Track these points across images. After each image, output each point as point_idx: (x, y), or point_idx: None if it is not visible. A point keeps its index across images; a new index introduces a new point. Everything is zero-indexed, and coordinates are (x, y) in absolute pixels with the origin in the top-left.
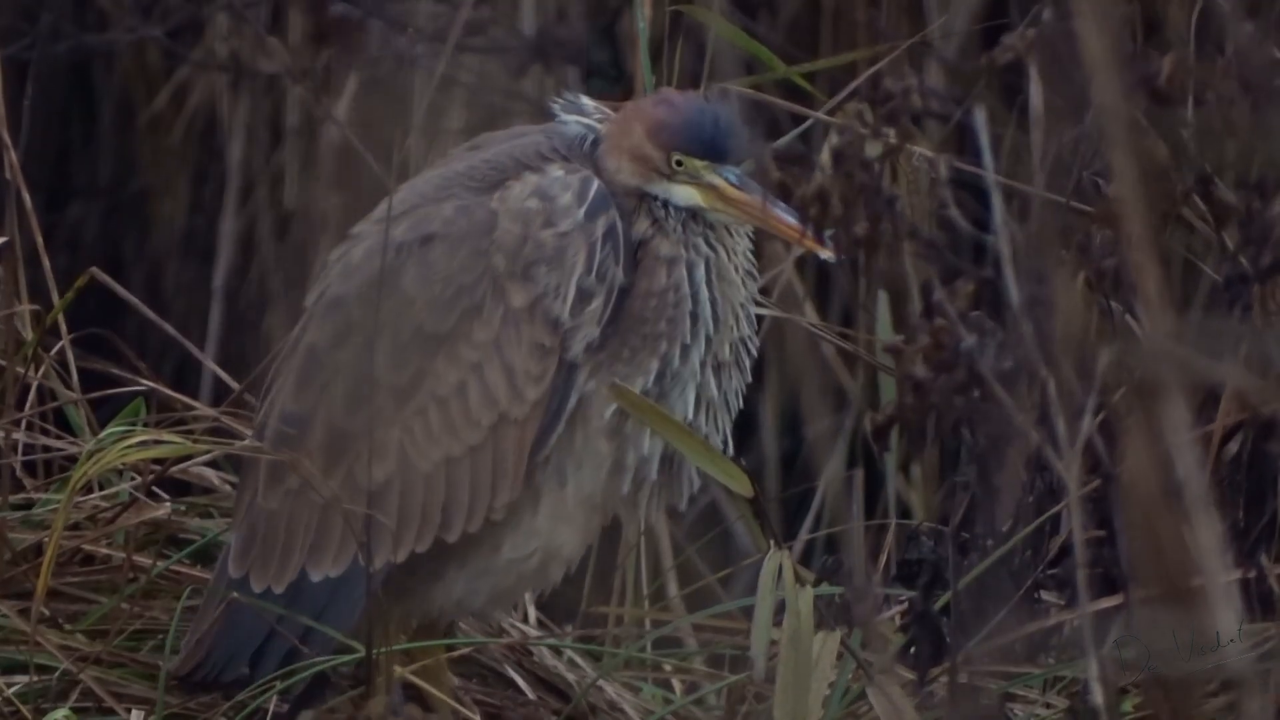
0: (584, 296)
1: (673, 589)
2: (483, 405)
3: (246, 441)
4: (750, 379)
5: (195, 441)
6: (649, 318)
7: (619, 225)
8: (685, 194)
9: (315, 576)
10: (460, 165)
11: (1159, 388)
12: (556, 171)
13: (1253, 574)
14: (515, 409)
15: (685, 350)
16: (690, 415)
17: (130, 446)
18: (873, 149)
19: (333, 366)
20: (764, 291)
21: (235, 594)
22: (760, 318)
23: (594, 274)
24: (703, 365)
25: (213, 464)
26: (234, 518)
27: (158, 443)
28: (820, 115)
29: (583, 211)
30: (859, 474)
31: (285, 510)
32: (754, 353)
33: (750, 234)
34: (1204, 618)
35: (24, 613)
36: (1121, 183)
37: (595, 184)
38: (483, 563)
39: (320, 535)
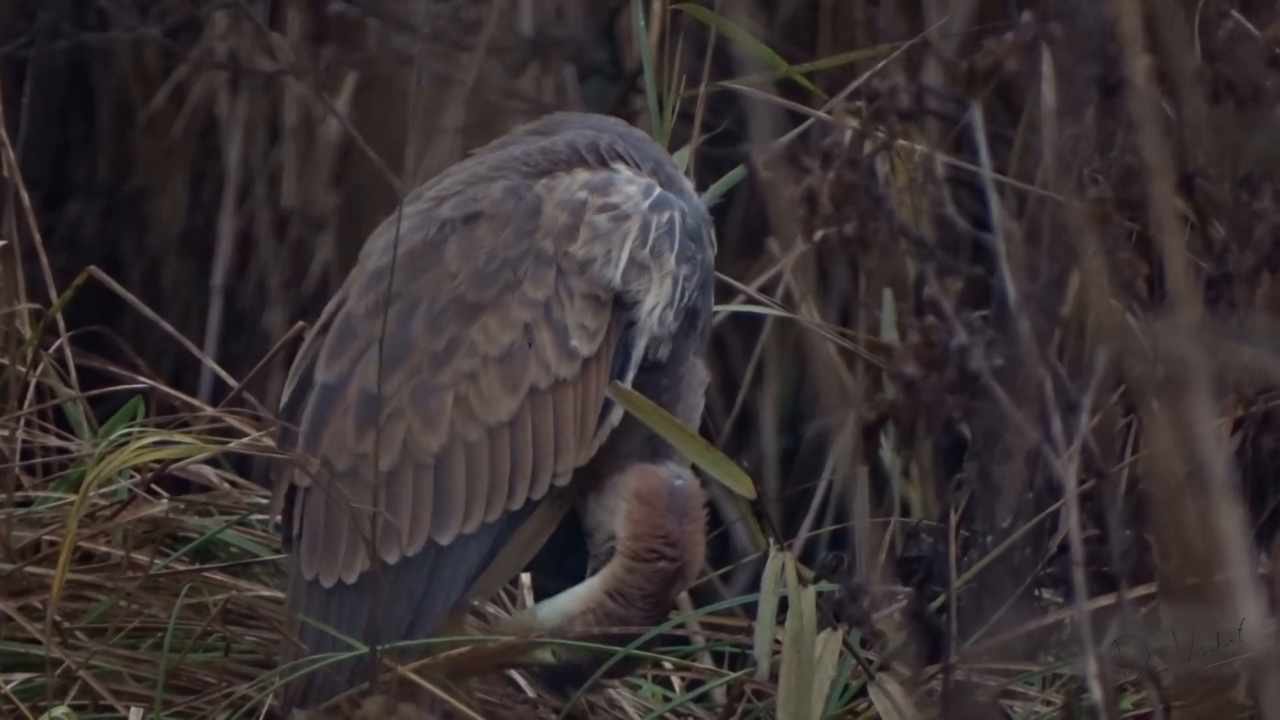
0: (639, 269)
1: None
2: (535, 367)
3: (259, 436)
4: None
5: (204, 441)
6: None
7: (688, 225)
8: None
9: (391, 559)
10: (518, 149)
11: (1185, 377)
12: (623, 170)
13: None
14: (564, 369)
15: None
16: None
17: (143, 447)
18: (863, 147)
19: (368, 334)
20: (764, 290)
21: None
22: (761, 316)
23: (648, 248)
24: None
25: (211, 461)
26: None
27: (167, 443)
28: (820, 114)
29: (647, 204)
30: (864, 471)
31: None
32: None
33: None
34: (1227, 609)
35: (23, 610)
36: (1153, 173)
37: (659, 190)
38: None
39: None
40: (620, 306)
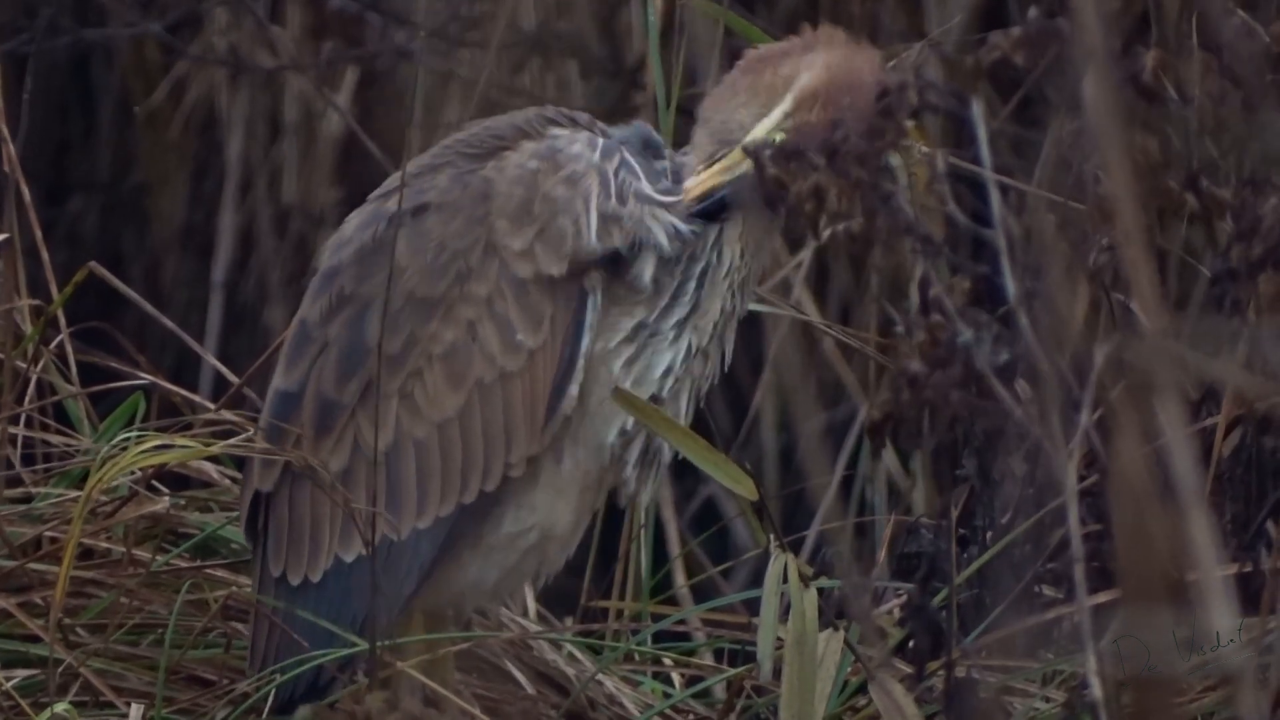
0: (612, 220)
1: (674, 583)
2: (480, 360)
3: (255, 440)
4: (721, 373)
5: (205, 444)
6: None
7: (634, 160)
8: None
9: (348, 558)
10: (460, 134)
11: (1153, 383)
12: (560, 132)
13: (1251, 568)
14: (510, 361)
15: (664, 311)
16: (656, 375)
17: (145, 451)
18: (867, 144)
19: (322, 339)
20: (762, 284)
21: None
22: (759, 313)
23: (614, 197)
24: (679, 330)
25: (212, 458)
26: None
27: (170, 447)
28: None
29: (597, 155)
30: (882, 468)
31: (305, 497)
32: (728, 355)
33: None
34: (1198, 614)
35: (24, 606)
36: (1114, 179)
37: (602, 140)
38: (490, 539)
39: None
40: (588, 274)
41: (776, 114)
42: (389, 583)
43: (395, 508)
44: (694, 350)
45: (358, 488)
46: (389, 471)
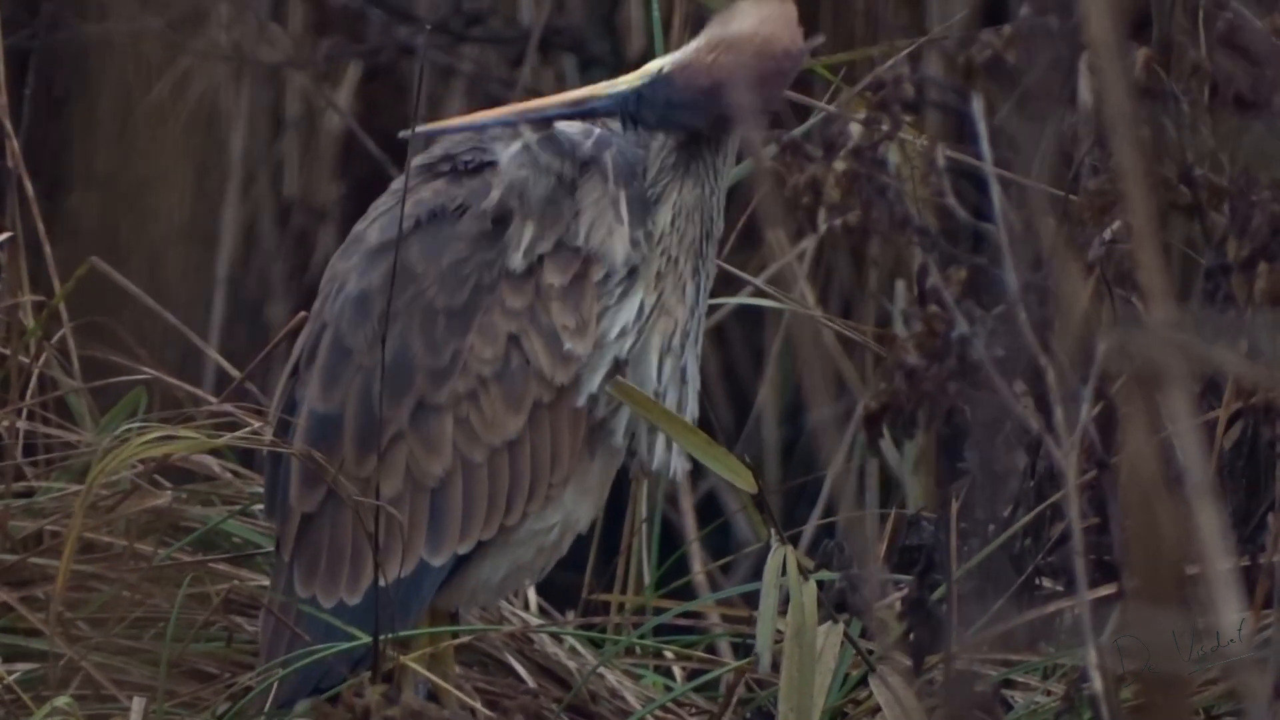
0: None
1: (690, 569)
2: (529, 380)
3: (265, 434)
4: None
5: (209, 436)
6: None
7: (620, 157)
8: None
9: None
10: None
11: (1160, 375)
12: (566, 125)
13: (1252, 561)
14: (560, 373)
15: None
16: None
17: (148, 441)
18: (863, 137)
19: (359, 361)
20: (766, 280)
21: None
22: (760, 307)
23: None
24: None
25: (214, 451)
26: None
27: (171, 438)
28: (826, 107)
29: (590, 143)
30: (875, 463)
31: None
32: (710, 273)
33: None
34: (1204, 606)
35: (26, 600)
36: (1124, 173)
37: (599, 131)
38: (508, 537)
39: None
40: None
41: (690, 46)
42: (415, 601)
43: (438, 533)
44: (672, 260)
45: (403, 512)
46: (434, 497)
